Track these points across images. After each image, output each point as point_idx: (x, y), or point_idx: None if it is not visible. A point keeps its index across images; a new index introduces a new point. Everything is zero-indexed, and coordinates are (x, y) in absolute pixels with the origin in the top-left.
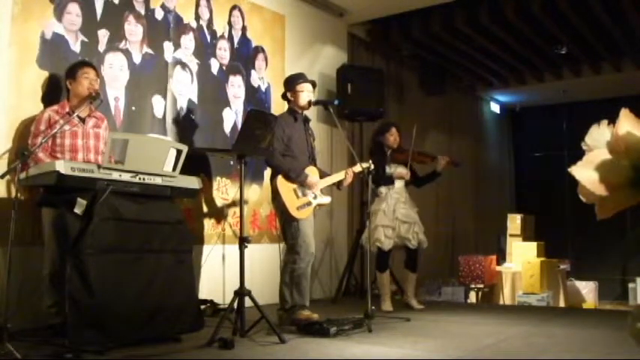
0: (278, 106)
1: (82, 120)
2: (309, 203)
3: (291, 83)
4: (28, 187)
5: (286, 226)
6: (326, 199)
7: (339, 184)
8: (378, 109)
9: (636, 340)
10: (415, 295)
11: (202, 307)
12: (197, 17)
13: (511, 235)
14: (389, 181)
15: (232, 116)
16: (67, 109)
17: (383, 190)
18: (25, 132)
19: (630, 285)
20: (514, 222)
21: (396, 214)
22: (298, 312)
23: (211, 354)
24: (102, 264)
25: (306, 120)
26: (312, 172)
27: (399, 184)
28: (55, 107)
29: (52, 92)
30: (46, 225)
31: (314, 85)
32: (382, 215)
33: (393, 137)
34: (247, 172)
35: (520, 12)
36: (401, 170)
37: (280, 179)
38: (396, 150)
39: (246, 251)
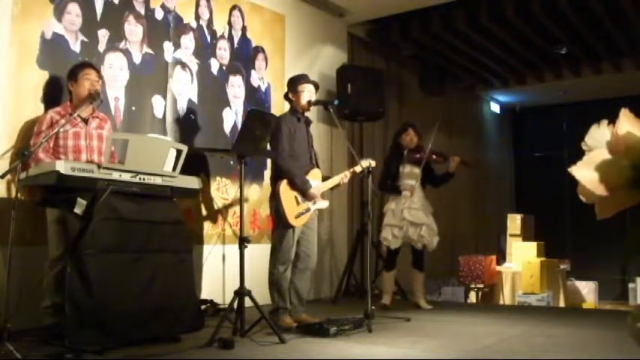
0: (278, 106)
1: (85, 121)
2: (308, 209)
3: (294, 83)
4: (28, 187)
5: (278, 228)
6: (324, 204)
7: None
8: (378, 109)
9: (636, 340)
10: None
11: (202, 307)
12: (197, 17)
13: (511, 235)
14: (396, 191)
15: (232, 116)
16: (69, 111)
17: None
18: (26, 133)
19: (630, 285)
20: (514, 222)
21: (404, 215)
22: (281, 317)
23: (211, 354)
24: (102, 264)
25: (308, 122)
26: (315, 176)
27: (412, 183)
28: (58, 109)
29: (53, 92)
30: (50, 224)
31: (317, 86)
32: (391, 215)
33: (409, 137)
34: (247, 172)
35: (520, 12)
36: (408, 181)
37: (284, 185)
38: (413, 150)
39: (246, 251)
